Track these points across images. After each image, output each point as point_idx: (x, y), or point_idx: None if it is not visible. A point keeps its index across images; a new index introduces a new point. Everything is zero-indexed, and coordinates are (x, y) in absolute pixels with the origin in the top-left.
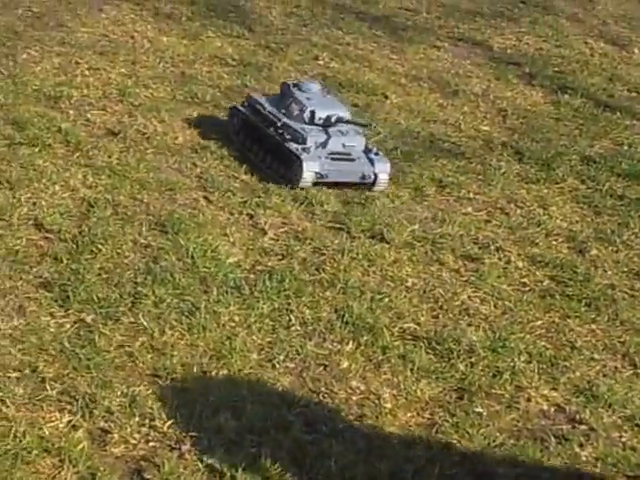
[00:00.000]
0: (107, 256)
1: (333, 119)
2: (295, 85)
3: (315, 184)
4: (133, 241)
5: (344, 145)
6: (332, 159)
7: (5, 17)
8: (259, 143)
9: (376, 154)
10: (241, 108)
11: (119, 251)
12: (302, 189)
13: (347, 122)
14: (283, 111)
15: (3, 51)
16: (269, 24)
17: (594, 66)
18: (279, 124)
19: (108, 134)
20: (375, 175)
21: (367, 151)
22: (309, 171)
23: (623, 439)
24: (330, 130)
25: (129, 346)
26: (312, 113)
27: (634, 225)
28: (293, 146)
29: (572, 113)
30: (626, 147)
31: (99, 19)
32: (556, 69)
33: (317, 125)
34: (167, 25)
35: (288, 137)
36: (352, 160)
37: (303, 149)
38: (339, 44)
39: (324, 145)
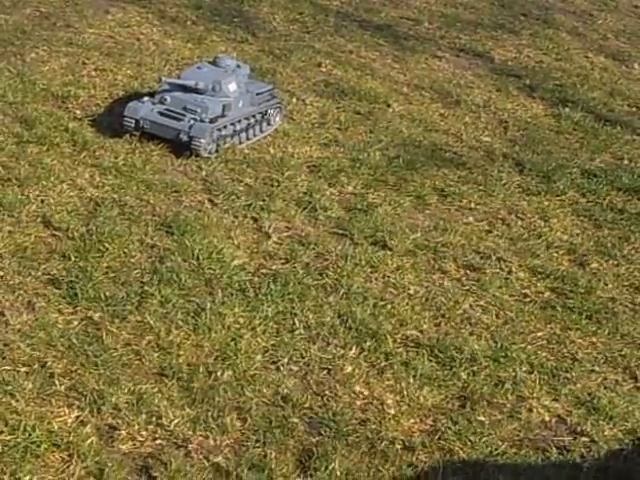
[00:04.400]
0: (114, 255)
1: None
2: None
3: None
4: (139, 241)
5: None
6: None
7: (14, 16)
8: None
9: (202, 121)
10: None
11: (126, 250)
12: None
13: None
14: None
15: (12, 50)
16: (272, 30)
17: (594, 80)
18: None
19: (114, 135)
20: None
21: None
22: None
23: (624, 452)
24: (185, 93)
25: (136, 344)
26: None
27: (634, 239)
28: None
29: (572, 126)
30: (626, 161)
31: (105, 21)
32: (556, 82)
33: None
34: (172, 28)
35: None
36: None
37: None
38: (342, 52)
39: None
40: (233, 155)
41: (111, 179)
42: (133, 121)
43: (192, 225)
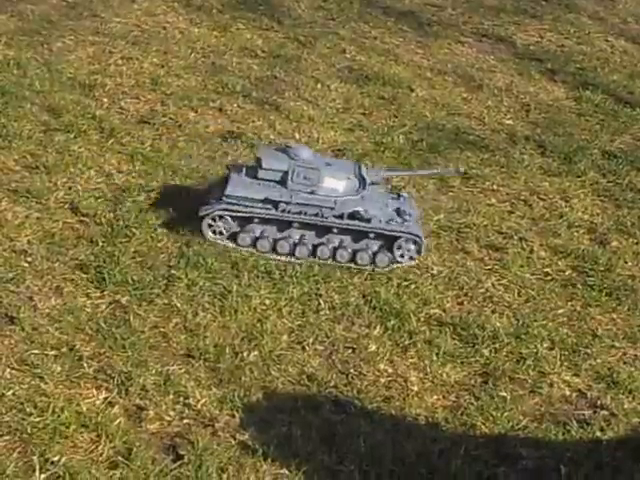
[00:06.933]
0: (141, 240)
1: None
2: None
3: None
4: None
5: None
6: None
7: (40, 6)
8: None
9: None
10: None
11: (152, 235)
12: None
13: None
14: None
15: (39, 39)
16: (297, 17)
17: (614, 63)
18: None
19: (141, 122)
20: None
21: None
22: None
23: None
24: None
25: (163, 327)
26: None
27: None
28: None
29: (593, 109)
30: None
31: (131, 10)
32: (577, 66)
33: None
34: (198, 17)
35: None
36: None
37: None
38: (366, 38)
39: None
40: (259, 141)
41: (138, 165)
42: None
43: None
